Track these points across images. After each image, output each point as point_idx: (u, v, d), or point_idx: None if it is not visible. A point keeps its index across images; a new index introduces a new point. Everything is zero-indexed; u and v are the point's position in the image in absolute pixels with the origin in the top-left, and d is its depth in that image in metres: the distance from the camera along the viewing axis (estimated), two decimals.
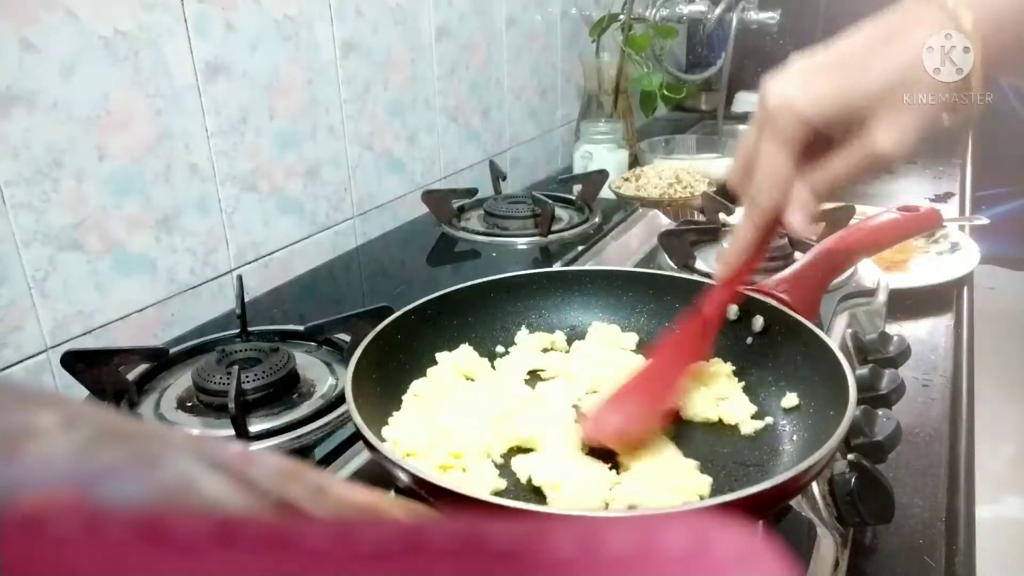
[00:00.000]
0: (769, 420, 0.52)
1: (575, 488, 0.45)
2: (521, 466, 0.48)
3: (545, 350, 0.63)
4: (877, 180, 0.48)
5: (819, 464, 0.40)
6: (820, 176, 0.47)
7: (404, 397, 0.55)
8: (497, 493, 0.46)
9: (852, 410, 0.44)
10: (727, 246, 0.53)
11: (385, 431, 0.49)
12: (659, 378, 0.53)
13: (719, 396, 0.54)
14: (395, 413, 0.53)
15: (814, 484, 0.50)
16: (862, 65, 0.45)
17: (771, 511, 0.45)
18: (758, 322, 0.58)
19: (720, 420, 0.53)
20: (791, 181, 0.48)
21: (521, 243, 0.97)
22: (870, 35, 0.46)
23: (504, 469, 0.49)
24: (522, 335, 0.63)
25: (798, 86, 0.46)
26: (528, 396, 0.56)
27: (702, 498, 0.44)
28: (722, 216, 0.95)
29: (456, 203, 1.07)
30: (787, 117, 0.45)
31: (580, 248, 0.92)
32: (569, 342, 0.63)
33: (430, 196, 1.04)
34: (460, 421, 0.51)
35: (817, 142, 0.47)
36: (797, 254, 0.80)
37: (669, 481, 0.45)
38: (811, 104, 0.45)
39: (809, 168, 0.48)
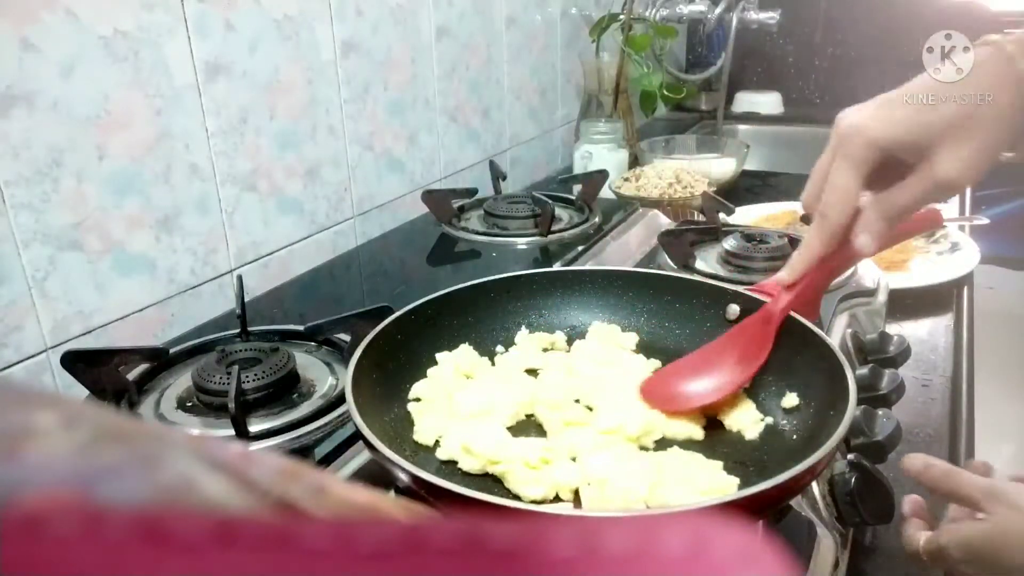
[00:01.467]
0: (769, 420, 0.52)
1: (617, 488, 0.45)
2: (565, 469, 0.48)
3: (545, 350, 0.63)
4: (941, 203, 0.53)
5: (819, 464, 0.40)
6: (888, 200, 0.51)
7: (409, 407, 0.55)
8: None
9: (852, 410, 0.44)
10: (795, 254, 0.56)
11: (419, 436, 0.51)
12: (716, 362, 0.56)
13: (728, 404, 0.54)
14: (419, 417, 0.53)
15: (814, 484, 0.50)
16: (934, 94, 0.49)
17: (771, 511, 0.45)
18: None
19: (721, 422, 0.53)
20: (858, 199, 0.51)
21: (521, 243, 0.97)
22: (941, 83, 0.49)
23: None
24: (522, 335, 0.63)
25: (870, 114, 0.50)
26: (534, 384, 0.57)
27: None
28: (722, 216, 0.95)
29: (456, 203, 1.07)
30: (858, 140, 0.50)
31: (580, 248, 0.92)
32: (569, 342, 0.63)
33: (430, 196, 1.04)
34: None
35: (886, 170, 0.50)
36: None
37: (697, 483, 0.45)
38: (881, 129, 0.49)
39: (878, 194, 0.51)
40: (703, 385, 0.54)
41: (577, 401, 0.55)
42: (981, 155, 0.48)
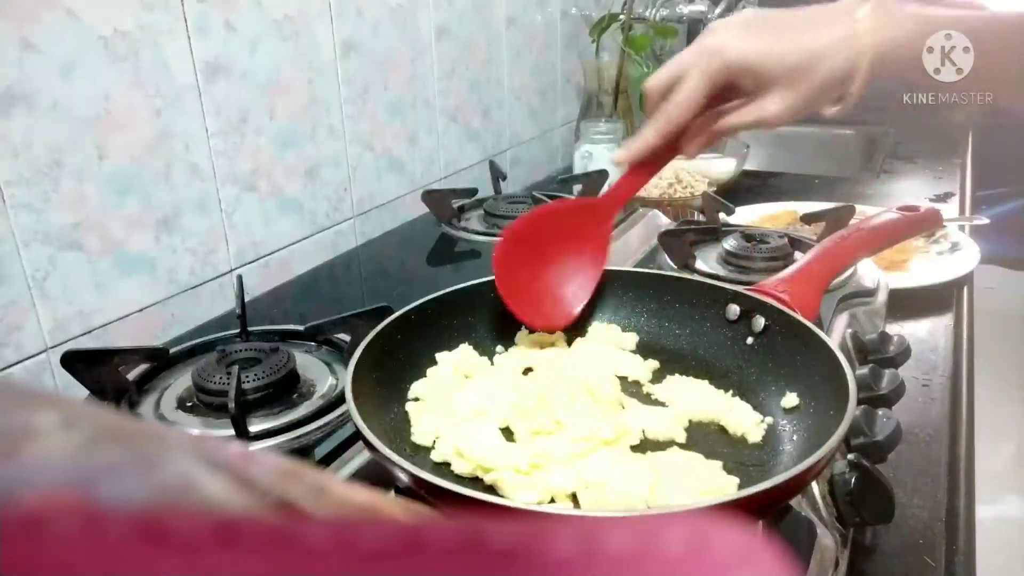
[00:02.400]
0: (769, 420, 0.52)
1: (616, 490, 0.44)
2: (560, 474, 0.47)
3: (543, 347, 0.63)
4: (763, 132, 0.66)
5: (819, 464, 0.40)
6: (717, 119, 0.60)
7: (408, 406, 0.55)
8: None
9: (852, 410, 0.44)
10: (632, 141, 0.62)
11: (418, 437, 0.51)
12: (564, 271, 0.62)
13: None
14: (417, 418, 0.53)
15: (814, 484, 0.50)
16: (787, 38, 0.56)
17: (772, 511, 0.45)
18: (758, 322, 0.58)
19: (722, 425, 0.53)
20: (700, 108, 0.58)
21: None
22: (804, 16, 0.58)
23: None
24: (522, 335, 0.63)
25: (734, 35, 0.57)
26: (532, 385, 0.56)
27: None
28: (722, 216, 0.95)
29: (456, 203, 1.07)
30: (716, 59, 0.57)
31: None
32: (569, 342, 0.63)
33: (430, 196, 1.04)
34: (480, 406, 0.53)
35: (726, 91, 0.59)
36: (797, 254, 0.80)
37: (696, 483, 0.45)
38: (738, 54, 0.57)
39: (712, 111, 0.60)
40: (566, 295, 0.62)
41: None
42: (802, 103, 0.57)
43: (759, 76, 0.57)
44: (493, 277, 0.63)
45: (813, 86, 0.56)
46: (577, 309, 0.62)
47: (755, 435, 0.52)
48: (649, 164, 0.62)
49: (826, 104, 0.59)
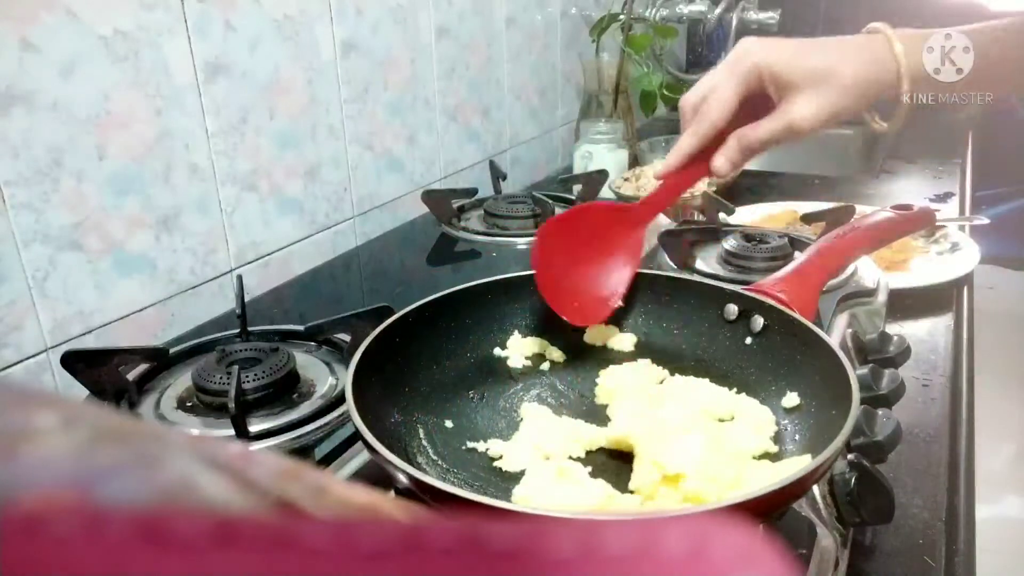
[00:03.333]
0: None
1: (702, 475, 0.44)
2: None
3: (542, 350, 0.63)
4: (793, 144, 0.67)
5: (823, 467, 0.40)
6: (747, 133, 0.60)
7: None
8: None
9: (856, 411, 0.44)
10: (670, 153, 0.63)
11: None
12: (601, 269, 0.63)
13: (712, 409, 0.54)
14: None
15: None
16: (812, 47, 0.59)
17: (775, 513, 0.45)
18: (757, 322, 0.58)
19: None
20: (734, 109, 0.59)
21: (521, 243, 0.97)
22: (827, 41, 0.60)
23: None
24: (514, 339, 0.63)
25: (762, 45, 0.60)
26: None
27: None
28: (722, 216, 0.95)
29: (456, 203, 1.07)
30: (746, 61, 0.59)
31: None
32: (565, 348, 0.63)
33: (430, 196, 1.04)
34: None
35: (755, 107, 0.60)
36: (797, 254, 0.80)
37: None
38: (765, 57, 0.59)
39: (743, 126, 0.61)
40: (602, 291, 0.62)
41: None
42: (830, 108, 0.58)
43: (785, 81, 0.58)
44: (493, 278, 0.63)
45: (840, 88, 0.57)
46: (615, 304, 0.62)
47: (768, 431, 0.51)
48: (684, 175, 0.63)
49: (862, 110, 0.60)
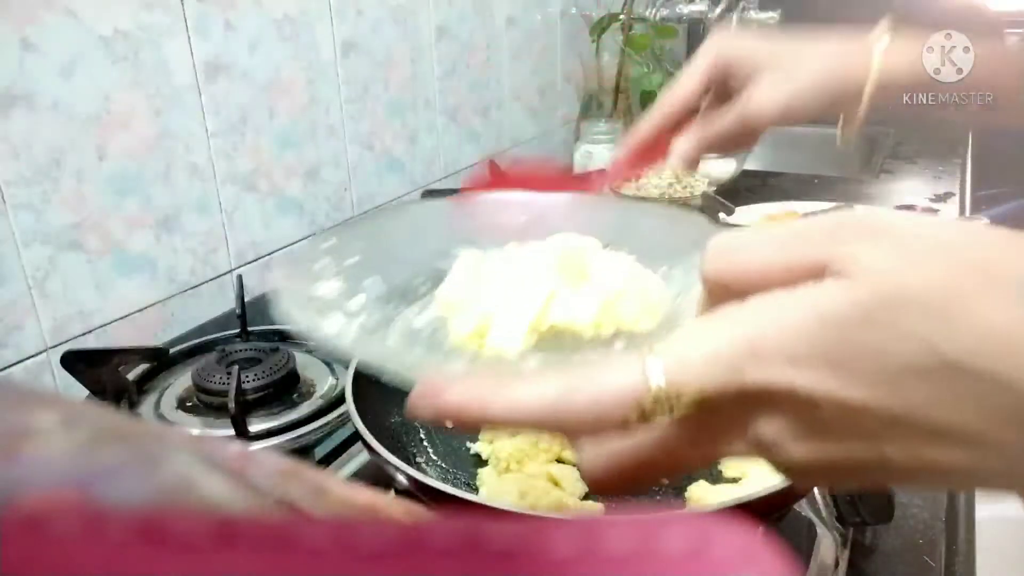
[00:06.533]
0: None
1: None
2: None
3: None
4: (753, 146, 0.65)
5: None
6: (705, 126, 0.59)
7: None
8: None
9: None
10: (628, 136, 0.63)
11: None
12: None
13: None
14: None
15: None
16: (782, 38, 0.58)
17: (775, 513, 0.45)
18: None
19: None
20: (692, 98, 0.59)
21: None
22: (802, 36, 0.59)
23: None
24: None
25: (728, 38, 0.59)
26: None
27: None
28: (722, 216, 0.95)
29: None
30: (710, 49, 0.59)
31: None
32: None
33: (430, 196, 1.04)
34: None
35: (717, 98, 0.59)
36: None
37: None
38: (729, 45, 0.58)
39: (704, 120, 0.60)
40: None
41: None
42: (785, 99, 0.56)
43: (749, 65, 0.57)
44: None
45: (796, 77, 0.56)
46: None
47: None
48: (637, 158, 0.62)
49: (822, 106, 0.58)
